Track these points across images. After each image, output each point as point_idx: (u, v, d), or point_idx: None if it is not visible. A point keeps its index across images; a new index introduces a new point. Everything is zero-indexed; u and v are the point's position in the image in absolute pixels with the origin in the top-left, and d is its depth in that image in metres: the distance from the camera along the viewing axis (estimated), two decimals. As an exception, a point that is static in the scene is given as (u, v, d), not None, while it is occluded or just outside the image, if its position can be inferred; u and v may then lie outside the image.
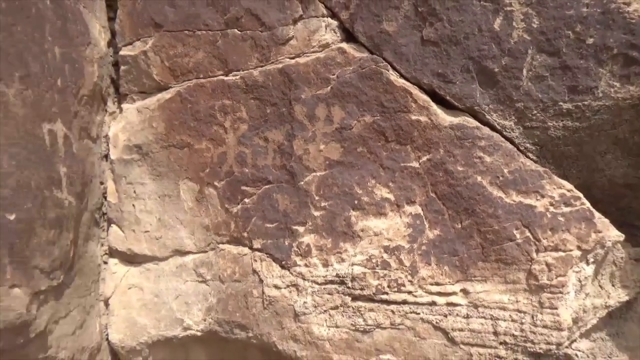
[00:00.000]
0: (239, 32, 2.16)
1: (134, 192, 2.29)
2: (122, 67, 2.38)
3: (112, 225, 2.32)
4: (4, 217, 1.61)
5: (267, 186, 2.04)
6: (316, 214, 1.93)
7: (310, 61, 2.02)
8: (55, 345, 1.83)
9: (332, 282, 1.86)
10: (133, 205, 2.28)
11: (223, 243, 2.10)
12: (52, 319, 1.79)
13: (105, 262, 2.32)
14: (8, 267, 1.58)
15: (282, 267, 1.94)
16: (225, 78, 2.17)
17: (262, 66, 2.11)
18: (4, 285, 1.55)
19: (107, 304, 2.26)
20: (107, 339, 2.23)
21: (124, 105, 2.40)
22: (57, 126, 1.96)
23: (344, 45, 1.98)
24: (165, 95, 2.27)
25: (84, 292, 2.08)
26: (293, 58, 2.07)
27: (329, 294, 1.83)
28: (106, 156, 2.40)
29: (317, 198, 1.94)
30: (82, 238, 2.12)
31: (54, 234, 1.81)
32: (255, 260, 2.01)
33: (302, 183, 1.97)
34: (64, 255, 1.88)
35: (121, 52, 2.36)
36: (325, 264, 1.88)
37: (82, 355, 2.01)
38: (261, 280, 1.96)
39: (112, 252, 2.31)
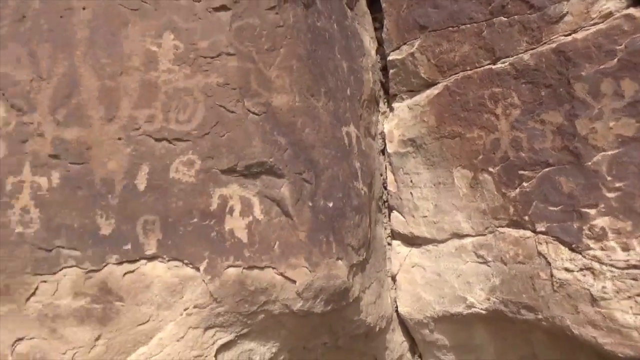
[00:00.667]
0: (505, 19, 2.19)
1: (411, 181, 2.55)
2: (391, 71, 2.67)
3: (393, 211, 2.62)
4: (325, 205, 2.02)
5: (547, 169, 2.03)
6: (609, 195, 1.84)
7: (590, 35, 1.93)
8: (365, 311, 2.19)
9: (636, 266, 1.75)
10: (411, 193, 2.54)
11: (502, 226, 2.17)
12: (361, 288, 2.16)
13: (389, 244, 2.65)
14: (333, 243, 1.98)
15: (572, 250, 1.91)
16: (494, 66, 2.23)
17: (533, 49, 2.11)
18: (332, 257, 1.95)
19: (394, 280, 2.58)
20: (397, 311, 2.54)
21: (395, 104, 2.69)
22: (351, 128, 2.34)
23: (632, 10, 1.83)
24: (434, 91, 2.46)
25: (378, 267, 2.43)
26: (568, 35, 2.01)
27: (633, 279, 1.73)
28: (382, 151, 2.72)
29: (609, 178, 1.84)
30: (372, 222, 2.47)
31: (358, 218, 2.17)
32: (540, 243, 2.02)
33: (590, 164, 1.90)
34: (365, 236, 2.23)
35: (389, 57, 2.65)
36: (626, 248, 1.78)
37: (381, 322, 2.35)
38: (548, 263, 1.97)
39: (395, 235, 2.62)
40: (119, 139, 1.83)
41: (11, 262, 1.74)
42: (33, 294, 1.74)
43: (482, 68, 2.28)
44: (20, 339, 1.71)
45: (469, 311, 2.26)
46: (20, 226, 1.76)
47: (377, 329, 2.34)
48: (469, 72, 2.32)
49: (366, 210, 2.29)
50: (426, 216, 2.47)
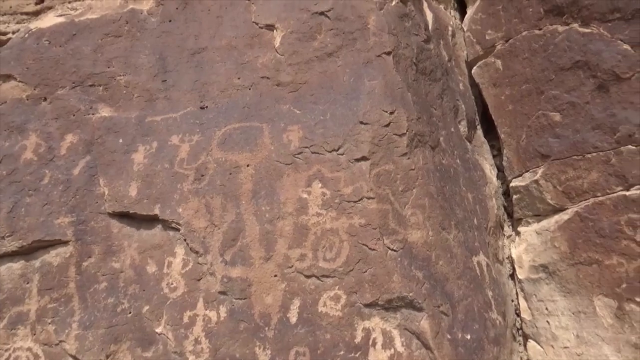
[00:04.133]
0: (634, 147, 2.23)
1: (546, 309, 2.49)
2: (515, 196, 2.75)
3: (529, 340, 2.55)
4: (463, 337, 2.06)
5: None
6: None
7: None
8: None
9: None
10: (547, 321, 2.47)
11: (661, 363, 2.03)
12: None
13: (529, 376, 2.54)
14: (475, 379, 1.99)
15: None
16: (627, 193, 2.24)
17: (669, 177, 2.10)
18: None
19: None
20: None
21: (521, 229, 2.73)
22: (481, 257, 2.41)
23: None
24: (563, 216, 2.49)
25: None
26: None
27: None
28: (511, 275, 2.72)
29: None
30: (507, 353, 2.41)
31: (497, 350, 2.16)
32: None
33: None
34: (505, 369, 2.20)
35: (512, 184, 2.75)
36: None
37: None
38: None
39: (534, 366, 2.52)
40: (275, 276, 2.10)
41: (185, 388, 1.99)
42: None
43: (614, 194, 2.30)
44: None
45: None
46: (193, 355, 2.03)
47: None
48: (601, 198, 2.34)
49: (503, 341, 2.28)
50: (567, 347, 2.38)
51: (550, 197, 2.55)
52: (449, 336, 2.02)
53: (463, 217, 2.43)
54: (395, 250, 2.10)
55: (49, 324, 2.15)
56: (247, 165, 2.30)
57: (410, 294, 2.01)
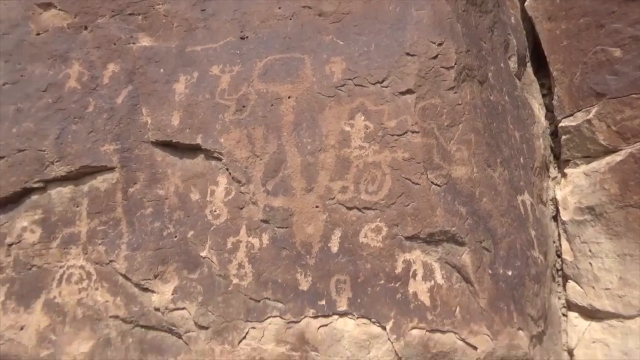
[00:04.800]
0: (701, 85, 2.09)
1: (589, 250, 2.45)
2: (564, 137, 2.64)
3: (568, 281, 2.53)
4: (505, 273, 2.05)
5: None
6: None
7: None
8: (543, 386, 2.12)
9: None
10: (590, 263, 2.43)
11: None
12: (540, 362, 2.11)
13: (564, 315, 2.54)
14: (514, 313, 1.99)
15: None
16: (689, 133, 2.11)
17: None
18: (513, 327, 1.96)
19: (570, 354, 2.44)
20: (575, 389, 2.39)
21: (568, 170, 2.64)
22: (525, 197, 2.36)
23: None
24: (615, 157, 2.38)
25: (554, 340, 2.34)
26: None
27: None
28: (554, 217, 2.67)
29: None
30: (547, 292, 2.40)
31: (537, 287, 2.15)
32: None
33: None
34: (543, 307, 2.19)
35: (561, 124, 2.64)
36: None
37: (560, 399, 2.24)
38: None
39: (571, 306, 2.51)
40: (317, 207, 2.11)
41: (228, 309, 2.07)
42: (244, 337, 2.04)
43: (673, 135, 2.17)
44: (231, 377, 2.00)
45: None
46: (237, 279, 2.10)
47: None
48: (657, 139, 2.22)
49: (544, 279, 2.26)
50: (609, 289, 2.34)
51: (603, 138, 2.44)
52: (490, 271, 2.01)
53: (509, 155, 2.36)
54: (439, 185, 2.06)
55: (99, 244, 2.24)
56: (289, 97, 2.26)
57: (453, 229, 2.00)
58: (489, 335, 1.91)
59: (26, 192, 2.39)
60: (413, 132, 2.10)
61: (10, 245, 2.32)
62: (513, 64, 2.72)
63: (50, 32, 2.62)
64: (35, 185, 2.38)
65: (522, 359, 1.95)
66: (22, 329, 2.22)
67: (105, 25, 2.56)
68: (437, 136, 2.12)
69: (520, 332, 1.97)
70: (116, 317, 2.17)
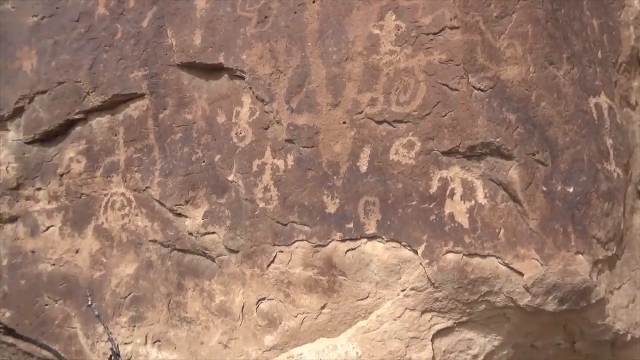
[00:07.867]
0: None
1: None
2: (662, 22, 2.12)
3: (660, 198, 2.12)
4: (564, 190, 1.74)
5: None
6: None
7: None
8: (612, 315, 1.84)
9: None
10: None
11: None
12: (608, 289, 1.81)
13: (651, 237, 2.16)
14: (572, 235, 1.70)
15: None
16: None
17: None
18: (570, 250, 1.68)
19: (656, 282, 2.10)
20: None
21: (667, 64, 2.14)
22: (601, 99, 1.95)
23: None
24: None
25: (633, 265, 2.01)
26: None
27: None
28: (645, 123, 2.21)
29: None
30: (628, 211, 2.04)
31: (607, 206, 1.81)
32: None
33: None
34: (616, 227, 1.86)
35: (660, 5, 2.10)
36: None
37: (635, 330, 1.95)
38: None
39: (659, 228, 2.12)
40: (344, 123, 1.91)
41: (256, 233, 2.02)
42: (272, 261, 1.99)
43: None
44: (262, 299, 1.98)
45: None
46: (263, 202, 2.01)
47: (629, 337, 1.94)
48: None
49: (619, 196, 1.90)
50: None
51: None
52: (544, 188, 1.71)
53: (582, 49, 1.94)
54: (482, 90, 1.75)
55: (136, 172, 2.27)
56: (313, 2, 2.02)
57: (498, 140, 1.71)
58: (538, 260, 1.67)
59: (70, 124, 2.47)
60: (452, 28, 1.78)
61: (61, 175, 2.45)
62: None
63: (79, -40, 2.56)
64: (77, 117, 2.44)
65: (580, 286, 1.68)
66: (77, 252, 2.38)
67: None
68: (483, 31, 1.77)
69: (580, 256, 1.69)
70: (154, 241, 2.23)
